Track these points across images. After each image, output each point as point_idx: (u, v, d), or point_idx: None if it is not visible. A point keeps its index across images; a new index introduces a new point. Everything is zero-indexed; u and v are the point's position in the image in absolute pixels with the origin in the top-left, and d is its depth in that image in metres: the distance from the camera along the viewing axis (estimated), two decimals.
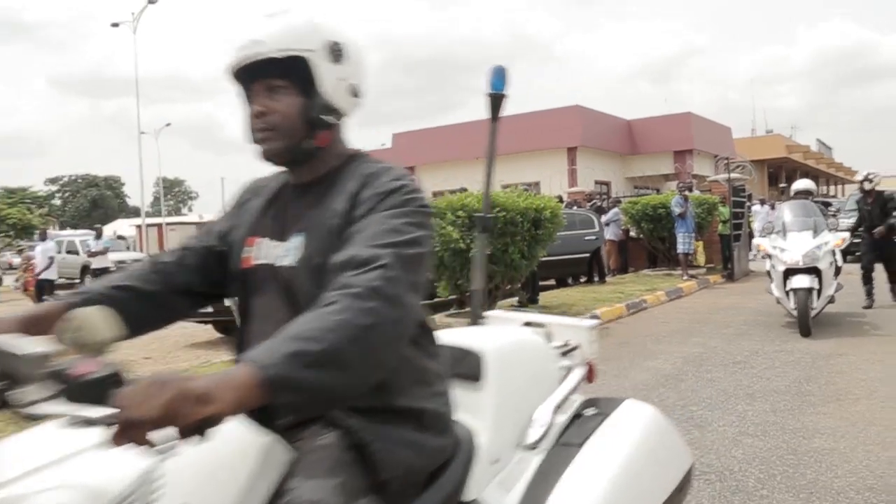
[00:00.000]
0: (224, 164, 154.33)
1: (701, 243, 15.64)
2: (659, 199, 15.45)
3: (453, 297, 9.60)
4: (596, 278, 13.98)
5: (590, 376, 2.04)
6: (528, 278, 9.81)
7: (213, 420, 1.00)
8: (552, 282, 14.17)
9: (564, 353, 2.01)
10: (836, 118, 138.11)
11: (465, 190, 10.19)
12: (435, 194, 20.40)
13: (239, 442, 1.24)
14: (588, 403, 1.91)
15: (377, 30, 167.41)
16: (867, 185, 9.76)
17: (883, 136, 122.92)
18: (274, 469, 1.26)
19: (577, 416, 1.84)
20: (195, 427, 0.98)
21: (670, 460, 1.96)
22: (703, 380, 6.00)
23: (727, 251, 15.02)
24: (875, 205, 9.61)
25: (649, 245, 16.53)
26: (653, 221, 15.22)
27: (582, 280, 14.51)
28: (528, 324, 2.15)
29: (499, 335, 1.92)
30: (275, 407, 1.07)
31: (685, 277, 13.89)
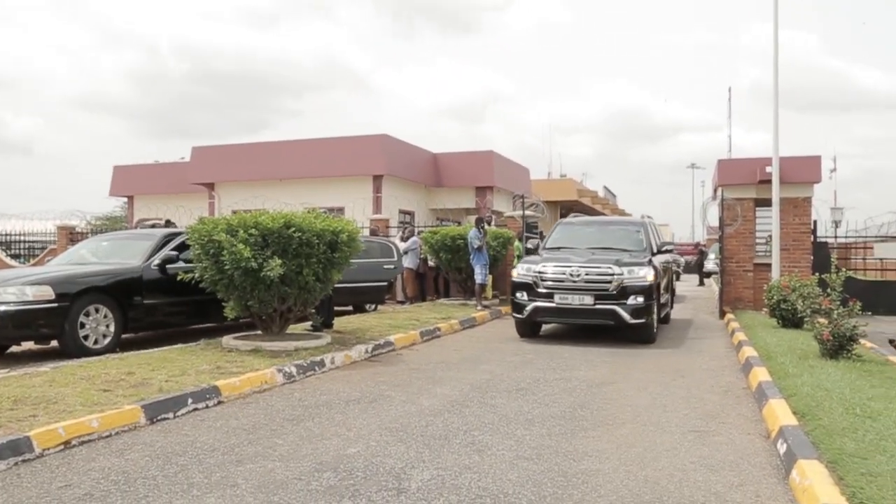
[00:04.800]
0: None
1: (491, 276, 16.21)
2: (458, 230, 15.88)
3: (243, 318, 9.17)
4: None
5: None
6: (323, 302, 9.61)
7: None
8: (350, 308, 14.07)
9: None
10: (619, 169, 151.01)
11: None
12: (235, 213, 19.64)
13: None
14: None
15: (183, 36, 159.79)
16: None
17: (653, 189, 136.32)
18: None
19: None
20: None
21: None
22: (487, 406, 6.12)
23: None
24: None
25: (446, 275, 16.94)
26: (451, 252, 15.60)
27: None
28: None
29: None
30: None
31: (479, 308, 14.35)
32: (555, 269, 10.25)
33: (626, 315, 9.83)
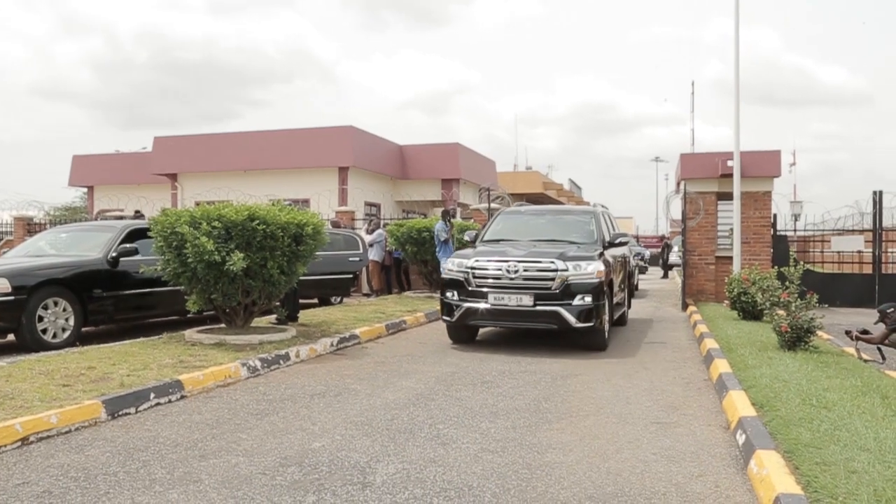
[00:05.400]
0: None
1: None
2: (424, 223, 15.87)
3: (207, 311, 9.07)
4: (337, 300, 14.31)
5: None
6: (288, 295, 9.54)
7: None
8: (315, 301, 14.01)
9: None
10: (584, 162, 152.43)
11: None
12: (198, 205, 19.38)
13: None
14: None
15: (144, 23, 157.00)
16: None
17: (618, 182, 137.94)
18: None
19: None
20: None
21: None
22: (453, 399, 6.14)
23: None
24: None
25: (409, 266, 16.96)
26: (417, 244, 15.60)
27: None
28: None
29: None
30: None
31: None
32: (488, 264, 8.87)
33: (570, 318, 8.48)
